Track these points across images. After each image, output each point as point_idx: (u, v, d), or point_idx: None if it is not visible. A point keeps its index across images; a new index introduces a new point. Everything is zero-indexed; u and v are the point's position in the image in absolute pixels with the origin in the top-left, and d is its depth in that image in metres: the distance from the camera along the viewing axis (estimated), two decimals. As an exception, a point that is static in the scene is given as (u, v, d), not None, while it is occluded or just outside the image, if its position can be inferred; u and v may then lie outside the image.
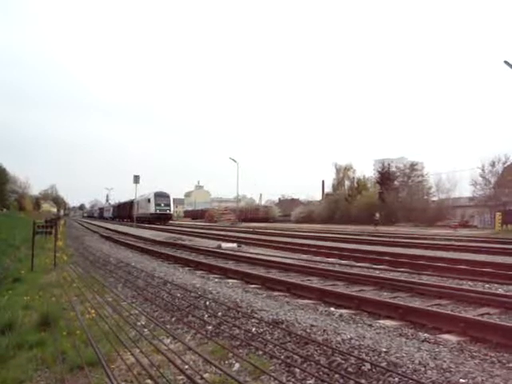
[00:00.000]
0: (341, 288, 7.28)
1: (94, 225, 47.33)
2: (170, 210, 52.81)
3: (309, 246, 15.58)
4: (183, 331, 5.00)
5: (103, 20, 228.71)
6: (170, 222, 52.98)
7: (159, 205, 51.06)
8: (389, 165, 55.07)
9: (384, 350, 3.61)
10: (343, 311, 5.56)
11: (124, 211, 63.26)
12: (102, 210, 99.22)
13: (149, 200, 51.83)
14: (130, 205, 53.29)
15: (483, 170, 40.17)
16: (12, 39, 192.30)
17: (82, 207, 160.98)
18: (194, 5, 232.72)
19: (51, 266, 11.14)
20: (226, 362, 3.93)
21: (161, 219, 50.01)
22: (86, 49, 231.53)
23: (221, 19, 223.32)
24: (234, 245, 16.52)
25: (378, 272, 8.98)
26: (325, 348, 3.81)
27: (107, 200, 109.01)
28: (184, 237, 22.63)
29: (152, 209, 50.64)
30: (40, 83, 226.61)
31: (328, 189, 65.16)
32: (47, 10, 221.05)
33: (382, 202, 48.12)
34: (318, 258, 12.08)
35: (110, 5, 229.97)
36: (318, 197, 69.56)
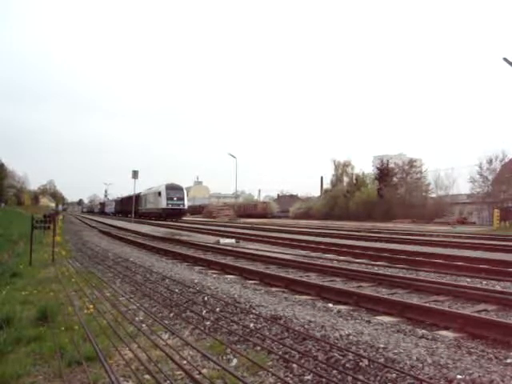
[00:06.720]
0: (339, 284, 7.29)
1: (93, 220, 47.30)
2: (183, 204, 46.04)
3: (307, 242, 15.59)
4: (181, 327, 5.00)
5: (104, 20, 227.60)
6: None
7: (171, 199, 44.84)
8: (387, 161, 55.20)
9: (382, 346, 3.62)
10: (341, 307, 5.57)
11: (128, 206, 55.97)
12: (103, 204, 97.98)
13: (159, 193, 46.03)
14: (135, 199, 47.30)
15: (481, 167, 40.31)
16: (12, 36, 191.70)
17: (80, 202, 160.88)
18: (196, 3, 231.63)
19: (49, 260, 11.13)
20: (224, 357, 3.93)
21: (174, 215, 44.57)
22: (85, 47, 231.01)
23: (222, 18, 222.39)
24: (233, 240, 16.53)
25: (376, 268, 8.99)
26: (323, 344, 3.81)
27: (106, 195, 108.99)
28: (182, 232, 22.64)
29: (163, 203, 44.73)
30: (39, 80, 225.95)
31: (327, 185, 65.25)
32: (48, 9, 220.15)
33: (381, 198, 48.23)
34: (316, 254, 12.09)
35: (112, 5, 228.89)
36: (316, 193, 69.72)
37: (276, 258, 10.50)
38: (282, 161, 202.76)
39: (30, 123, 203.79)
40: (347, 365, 3.42)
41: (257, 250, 12.87)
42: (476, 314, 4.83)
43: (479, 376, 2.95)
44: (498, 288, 6.66)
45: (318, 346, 3.80)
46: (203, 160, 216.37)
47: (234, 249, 13.11)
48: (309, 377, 3.36)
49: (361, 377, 3.21)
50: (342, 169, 61.87)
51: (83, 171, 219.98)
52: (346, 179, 61.03)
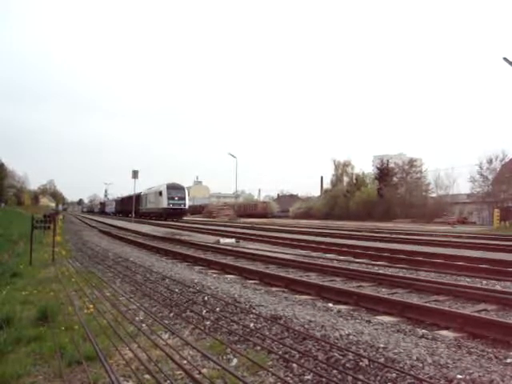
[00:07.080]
0: (339, 284, 7.29)
1: (93, 220, 47.30)
2: (185, 204, 45.99)
3: (307, 241, 15.60)
4: (181, 326, 5.00)
5: (104, 20, 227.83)
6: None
7: (173, 198, 44.67)
8: (388, 161, 55.29)
9: (382, 345, 3.62)
10: (341, 307, 5.57)
11: (128, 206, 53.59)
12: (103, 204, 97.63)
13: (160, 193, 45.82)
14: (136, 199, 46.87)
15: (481, 166, 40.33)
16: (12, 36, 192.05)
17: (80, 202, 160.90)
18: (196, 3, 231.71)
19: (50, 260, 11.13)
20: (224, 357, 3.93)
21: (175, 215, 44.48)
22: (85, 47, 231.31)
23: (221, 18, 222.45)
24: (233, 240, 16.53)
25: (376, 268, 8.99)
26: (323, 343, 3.81)
27: (106, 195, 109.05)
28: (183, 232, 22.65)
29: (164, 203, 44.44)
30: (39, 80, 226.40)
31: (327, 185, 65.32)
32: (48, 9, 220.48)
33: (381, 198, 48.24)
34: (316, 254, 12.09)
35: (112, 5, 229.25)
36: (316, 193, 69.80)
37: (276, 258, 10.50)
38: (282, 161, 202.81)
39: (30, 123, 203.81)
40: (347, 364, 3.42)
41: (257, 249, 12.86)
42: (476, 314, 4.83)
43: (479, 376, 2.95)
44: (498, 288, 6.66)
45: (318, 346, 3.80)
46: (203, 160, 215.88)
47: (234, 248, 13.11)
48: (309, 376, 3.36)
49: (361, 376, 3.21)
50: (342, 169, 61.93)
51: (83, 171, 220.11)
52: (346, 179, 61.11)
